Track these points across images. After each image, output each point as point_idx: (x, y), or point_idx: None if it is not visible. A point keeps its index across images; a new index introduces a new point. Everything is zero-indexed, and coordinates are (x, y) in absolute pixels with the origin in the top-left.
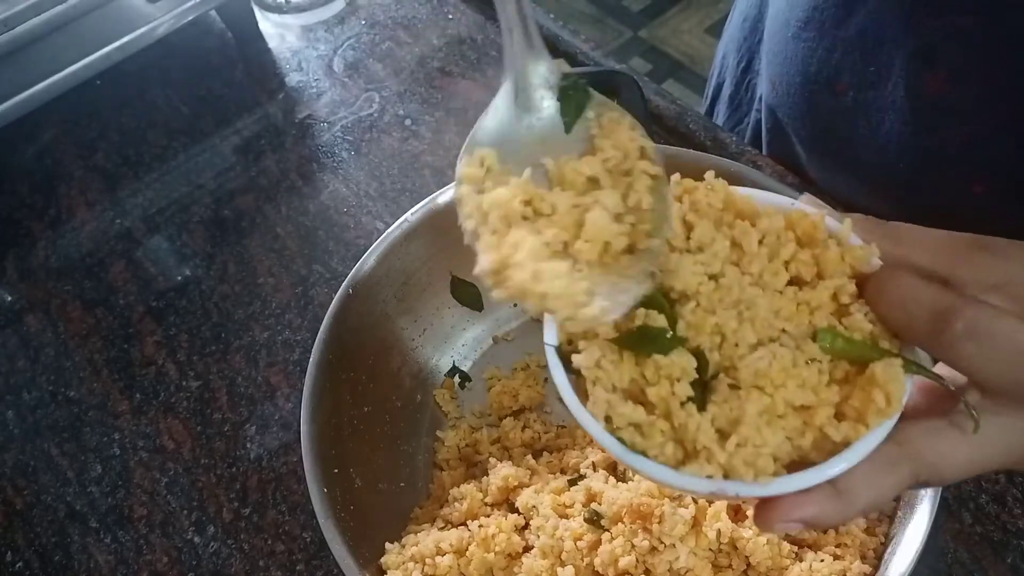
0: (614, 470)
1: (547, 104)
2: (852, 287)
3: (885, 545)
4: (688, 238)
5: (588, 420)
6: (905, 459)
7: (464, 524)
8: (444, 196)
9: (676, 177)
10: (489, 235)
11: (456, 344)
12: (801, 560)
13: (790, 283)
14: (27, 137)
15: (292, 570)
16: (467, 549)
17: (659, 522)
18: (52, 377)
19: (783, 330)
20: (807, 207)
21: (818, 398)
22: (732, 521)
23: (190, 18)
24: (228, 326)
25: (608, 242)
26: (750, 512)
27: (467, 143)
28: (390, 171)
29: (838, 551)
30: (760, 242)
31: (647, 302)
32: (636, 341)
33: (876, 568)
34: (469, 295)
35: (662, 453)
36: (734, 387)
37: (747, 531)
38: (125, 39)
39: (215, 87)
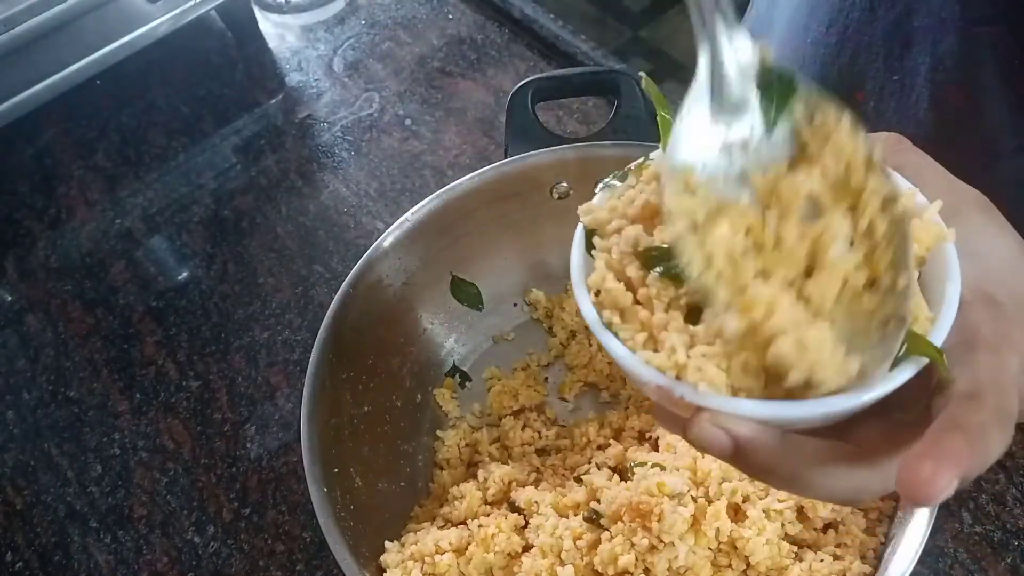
0: (615, 469)
1: (744, 98)
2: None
3: (885, 545)
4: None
5: (581, 288)
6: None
7: (464, 523)
8: (444, 196)
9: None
10: (723, 289)
11: (456, 344)
12: (801, 560)
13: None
14: (27, 137)
15: (292, 570)
16: (467, 548)
17: (658, 520)
18: (52, 377)
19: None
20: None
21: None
22: (732, 521)
23: (190, 18)
24: (228, 326)
25: (846, 280)
26: (751, 512)
27: (662, 158)
28: (390, 171)
29: (838, 551)
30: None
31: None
32: (651, 259)
33: (876, 568)
34: (469, 295)
35: (632, 339)
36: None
37: (747, 531)
38: (125, 39)
39: (215, 87)
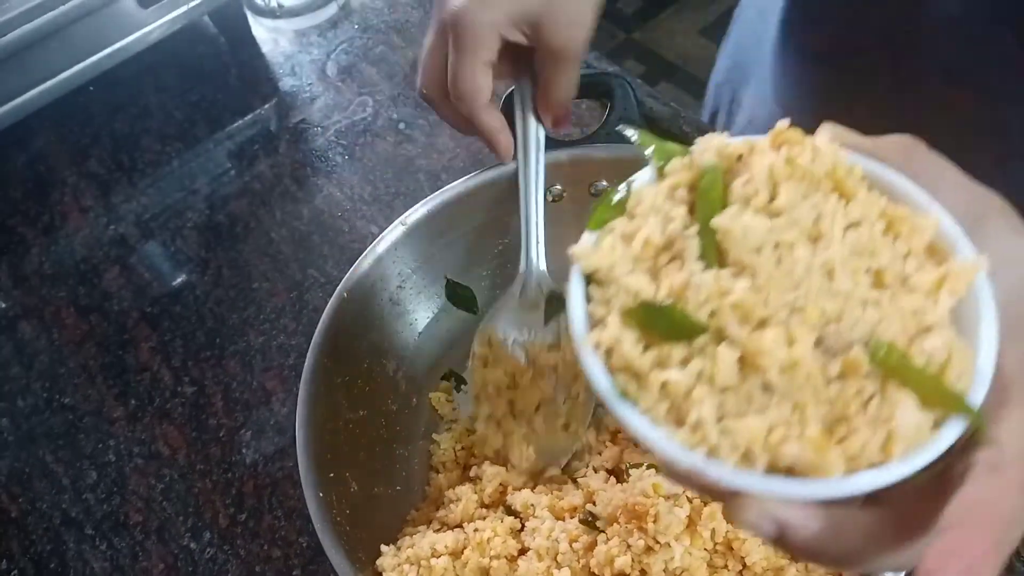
0: (611, 471)
1: (538, 302)
2: (943, 307)
3: None
4: (771, 199)
5: (588, 350)
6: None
7: (460, 526)
8: (438, 199)
9: (784, 122)
10: (485, 411)
11: (451, 347)
12: (797, 560)
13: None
14: (20, 143)
15: (289, 575)
16: (463, 551)
17: (654, 522)
18: (47, 384)
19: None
20: (913, 190)
21: (845, 415)
22: (728, 522)
23: (183, 23)
24: (223, 331)
25: (554, 419)
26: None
27: (481, 324)
28: (384, 175)
29: None
30: (849, 227)
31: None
32: (649, 318)
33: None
34: (464, 298)
35: (653, 410)
36: (767, 388)
37: (743, 532)
38: (118, 44)
39: (208, 92)
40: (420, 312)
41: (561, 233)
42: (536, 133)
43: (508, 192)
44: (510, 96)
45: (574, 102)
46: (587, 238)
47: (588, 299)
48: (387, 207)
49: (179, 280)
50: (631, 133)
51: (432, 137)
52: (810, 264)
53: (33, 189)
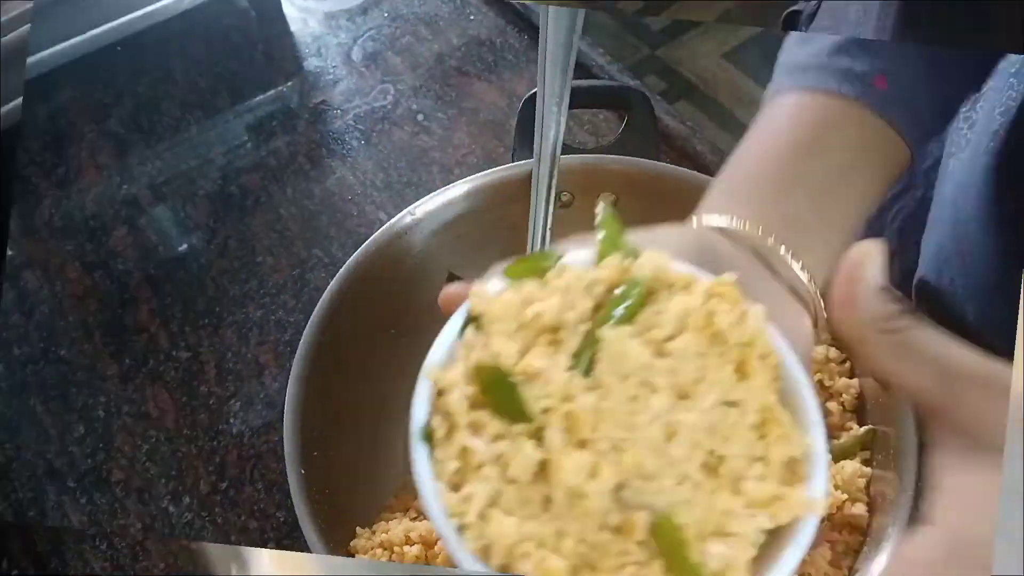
0: None
1: None
2: (757, 524)
3: None
4: (670, 338)
5: (425, 380)
6: None
7: None
8: (448, 193)
9: (730, 276)
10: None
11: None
12: None
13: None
14: (44, 95)
15: (263, 547)
16: (436, 542)
17: None
18: (44, 335)
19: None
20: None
21: (598, 566)
22: None
23: None
24: (223, 301)
25: None
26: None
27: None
28: (398, 164)
29: None
30: (723, 404)
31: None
32: (491, 383)
33: None
34: None
35: (444, 463)
36: (546, 502)
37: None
38: (150, 7)
39: (233, 64)
40: (419, 301)
41: (567, 238)
42: (553, 139)
43: (518, 193)
44: (531, 98)
45: (591, 111)
46: (495, 282)
47: (462, 334)
48: (398, 195)
49: (185, 246)
50: (600, 209)
51: (449, 131)
52: (658, 416)
53: (51, 142)
